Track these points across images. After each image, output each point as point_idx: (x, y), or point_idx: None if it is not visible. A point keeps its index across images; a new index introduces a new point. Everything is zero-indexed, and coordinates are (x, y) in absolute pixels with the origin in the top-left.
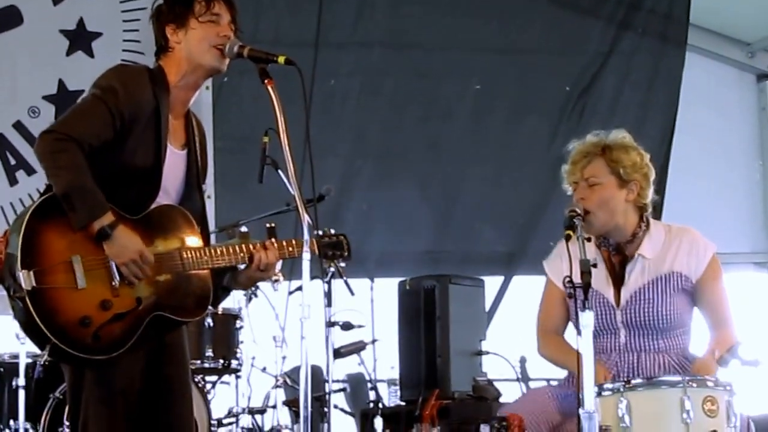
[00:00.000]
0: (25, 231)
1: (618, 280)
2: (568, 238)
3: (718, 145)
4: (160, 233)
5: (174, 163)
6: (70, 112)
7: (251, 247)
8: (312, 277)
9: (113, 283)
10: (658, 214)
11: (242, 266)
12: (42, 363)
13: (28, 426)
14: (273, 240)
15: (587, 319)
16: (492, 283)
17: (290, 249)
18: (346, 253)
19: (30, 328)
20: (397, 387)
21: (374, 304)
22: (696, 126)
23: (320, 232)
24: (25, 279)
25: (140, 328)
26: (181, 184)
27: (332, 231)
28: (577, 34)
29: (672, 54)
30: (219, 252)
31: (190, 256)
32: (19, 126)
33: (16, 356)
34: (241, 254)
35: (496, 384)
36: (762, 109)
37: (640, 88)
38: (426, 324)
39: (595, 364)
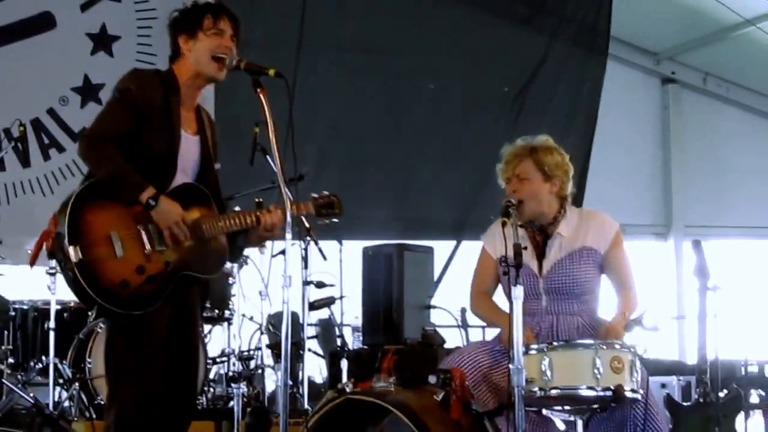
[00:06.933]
0: (70, 213)
1: (540, 255)
2: (504, 224)
3: (628, 136)
4: (183, 207)
5: (189, 146)
6: (99, 115)
7: (258, 213)
8: (292, 244)
9: (145, 251)
10: (579, 197)
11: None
12: (71, 308)
13: (57, 361)
14: (275, 204)
15: (518, 292)
16: (445, 247)
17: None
18: (338, 211)
19: (80, 294)
20: (360, 333)
21: (342, 264)
22: (609, 120)
23: (316, 195)
24: (73, 253)
25: (169, 286)
26: (196, 164)
27: (326, 192)
28: (514, 42)
29: (595, 62)
30: (232, 219)
31: (208, 224)
32: (51, 112)
33: (48, 303)
34: (250, 219)
35: (441, 331)
36: (664, 107)
37: (568, 90)
38: (384, 283)
39: (523, 327)
